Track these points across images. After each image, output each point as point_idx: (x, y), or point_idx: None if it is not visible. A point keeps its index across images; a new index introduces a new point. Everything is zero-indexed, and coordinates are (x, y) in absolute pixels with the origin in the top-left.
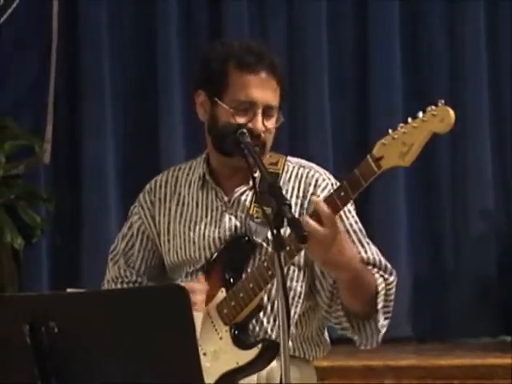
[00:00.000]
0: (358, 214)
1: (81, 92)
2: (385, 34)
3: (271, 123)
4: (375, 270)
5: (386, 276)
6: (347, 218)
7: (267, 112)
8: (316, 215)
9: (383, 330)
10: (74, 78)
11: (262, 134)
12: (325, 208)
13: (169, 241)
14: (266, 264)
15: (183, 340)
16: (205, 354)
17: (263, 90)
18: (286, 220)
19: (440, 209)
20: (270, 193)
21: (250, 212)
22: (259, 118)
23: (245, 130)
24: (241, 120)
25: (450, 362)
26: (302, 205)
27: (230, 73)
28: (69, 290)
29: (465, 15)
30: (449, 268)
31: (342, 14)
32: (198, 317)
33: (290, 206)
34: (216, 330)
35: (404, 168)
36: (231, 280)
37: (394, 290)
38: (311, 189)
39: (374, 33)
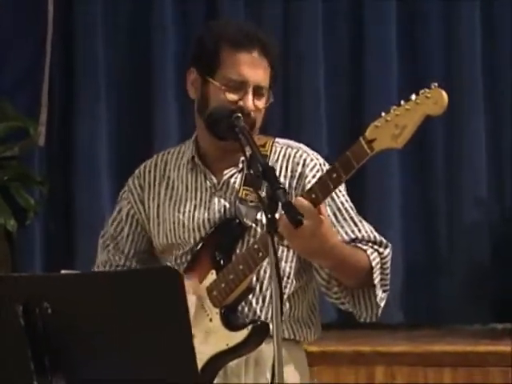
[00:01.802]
0: (352, 202)
1: (75, 75)
2: (381, 19)
3: (261, 103)
4: (369, 244)
5: (381, 250)
6: (338, 197)
7: (258, 91)
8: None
9: (382, 303)
10: (69, 61)
11: (252, 113)
12: (303, 201)
13: (158, 224)
14: (256, 246)
15: (176, 322)
16: (195, 336)
17: (255, 68)
18: (280, 204)
19: (433, 196)
20: (264, 177)
21: (240, 194)
22: (250, 96)
23: (239, 114)
24: (231, 97)
25: (442, 348)
26: (290, 184)
27: (223, 51)
28: (63, 272)
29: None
30: (442, 255)
31: (338, 7)
32: (191, 300)
33: (284, 190)
34: (206, 312)
35: (398, 156)
36: (221, 262)
37: (389, 263)
38: (299, 168)
39: (370, 18)
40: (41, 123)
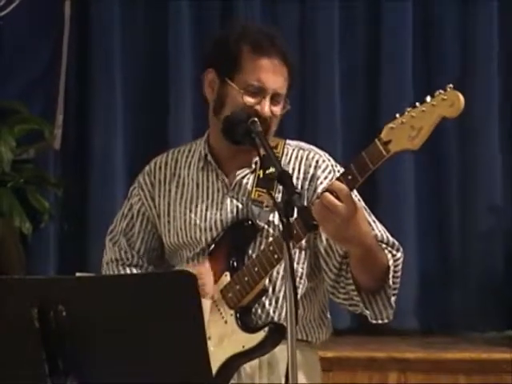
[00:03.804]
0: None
1: (91, 79)
2: (397, 22)
3: (278, 109)
4: (383, 245)
5: (394, 252)
6: None
7: (275, 98)
8: (334, 192)
9: (394, 305)
10: (85, 64)
11: (268, 119)
12: (340, 184)
13: (169, 222)
14: (271, 248)
15: (191, 326)
16: (209, 338)
17: (275, 75)
18: (296, 209)
19: (448, 204)
20: (280, 182)
21: (252, 196)
22: (267, 102)
23: (256, 119)
24: (249, 100)
25: (456, 355)
26: (302, 186)
27: (244, 54)
28: (78, 274)
29: (477, 18)
30: (456, 262)
31: (355, 14)
32: (206, 303)
33: (300, 194)
34: (221, 314)
35: (412, 164)
36: (235, 264)
37: (400, 266)
38: (311, 170)
39: (387, 22)
40: (57, 126)
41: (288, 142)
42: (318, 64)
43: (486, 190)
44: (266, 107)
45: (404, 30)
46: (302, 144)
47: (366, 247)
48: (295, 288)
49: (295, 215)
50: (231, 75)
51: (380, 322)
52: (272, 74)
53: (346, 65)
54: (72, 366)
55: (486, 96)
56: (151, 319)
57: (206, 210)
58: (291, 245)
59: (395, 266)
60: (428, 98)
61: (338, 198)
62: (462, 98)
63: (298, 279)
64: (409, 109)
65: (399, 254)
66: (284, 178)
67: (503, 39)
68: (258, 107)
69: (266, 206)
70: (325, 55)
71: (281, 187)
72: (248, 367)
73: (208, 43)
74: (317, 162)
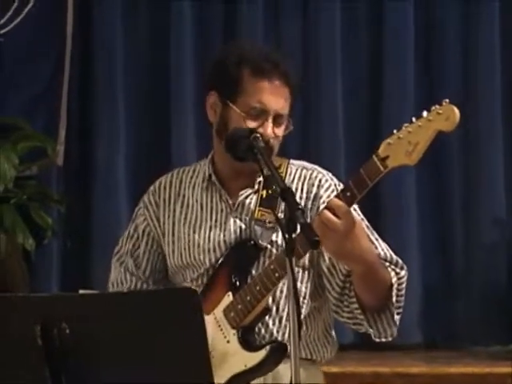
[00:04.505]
0: (368, 221)
1: (94, 95)
2: (399, 24)
3: (280, 130)
4: (387, 264)
5: (398, 270)
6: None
7: (277, 119)
8: (332, 209)
9: (397, 324)
10: (87, 80)
11: (271, 140)
12: (338, 201)
13: (173, 242)
14: (272, 266)
15: (194, 343)
16: (213, 357)
17: (276, 97)
18: (298, 225)
19: (451, 217)
20: (283, 198)
21: (255, 215)
22: (270, 124)
23: (258, 135)
24: (251, 124)
25: (460, 369)
26: (305, 205)
27: (245, 77)
28: (81, 292)
29: (479, 20)
30: (460, 275)
31: (357, 16)
32: (208, 320)
33: (302, 211)
34: (223, 334)
35: (415, 175)
36: (237, 284)
37: (404, 284)
38: (314, 189)
39: (389, 23)
40: (59, 143)
41: (291, 161)
42: (320, 66)
43: (489, 203)
44: (268, 129)
45: (406, 32)
46: (306, 164)
47: (367, 264)
48: (298, 302)
49: (298, 231)
50: (233, 98)
51: (384, 340)
52: (273, 96)
53: (348, 66)
54: (75, 383)
55: (490, 110)
56: (155, 336)
57: (210, 230)
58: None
59: (399, 285)
60: (424, 113)
61: (335, 214)
62: (457, 111)
63: (301, 299)
64: (406, 124)
65: (403, 273)
66: (287, 194)
67: (505, 39)
68: (260, 130)
69: (269, 223)
70: (327, 57)
71: (284, 206)
72: None
73: (209, 64)
74: (320, 181)
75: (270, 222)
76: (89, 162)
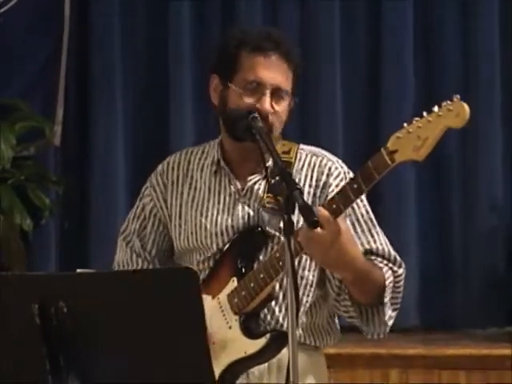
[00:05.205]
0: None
1: (91, 75)
2: (397, 23)
3: (280, 106)
4: (384, 261)
5: (395, 268)
6: (358, 208)
7: (276, 94)
8: None
9: (390, 322)
10: (85, 61)
11: (270, 116)
12: (322, 211)
13: (180, 225)
14: (277, 255)
15: (192, 323)
16: (214, 343)
17: (272, 71)
18: (296, 205)
19: (449, 202)
20: (281, 178)
21: (263, 202)
22: (267, 98)
23: (256, 115)
24: (249, 100)
25: (457, 351)
26: (314, 193)
27: (242, 55)
28: (79, 271)
29: (478, 19)
30: (457, 259)
31: (355, 14)
32: (212, 305)
33: (301, 191)
34: (226, 319)
35: (414, 163)
36: (243, 270)
37: (402, 282)
38: (324, 177)
39: (387, 21)
40: (57, 123)
41: (301, 146)
42: (318, 63)
43: (486, 189)
44: (266, 103)
45: (404, 30)
46: (316, 150)
47: (357, 272)
48: (296, 285)
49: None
50: (231, 78)
51: (375, 338)
52: (269, 69)
53: (346, 64)
54: (73, 362)
55: (489, 98)
56: (152, 316)
57: (218, 214)
58: (297, 249)
59: (396, 283)
60: (435, 108)
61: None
62: (467, 108)
63: (308, 287)
64: (416, 118)
65: (401, 270)
66: (284, 174)
67: (504, 38)
68: (258, 105)
69: (275, 210)
70: (325, 55)
71: (282, 186)
72: (256, 370)
73: (212, 50)
74: (329, 169)
75: (278, 209)
76: (87, 143)
